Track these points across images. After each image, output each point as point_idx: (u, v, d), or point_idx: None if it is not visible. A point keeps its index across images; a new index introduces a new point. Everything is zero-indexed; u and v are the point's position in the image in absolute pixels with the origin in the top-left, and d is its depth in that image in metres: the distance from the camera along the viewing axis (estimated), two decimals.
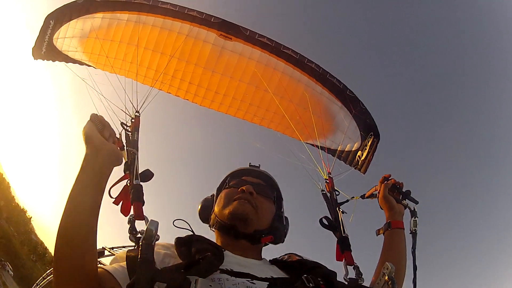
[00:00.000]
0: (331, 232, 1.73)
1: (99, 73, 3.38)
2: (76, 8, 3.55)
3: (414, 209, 1.74)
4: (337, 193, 1.99)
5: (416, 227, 1.67)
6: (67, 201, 1.08)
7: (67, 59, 3.53)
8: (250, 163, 1.69)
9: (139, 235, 1.20)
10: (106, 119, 1.37)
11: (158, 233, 1.07)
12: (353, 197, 2.01)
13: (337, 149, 3.73)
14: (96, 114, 1.32)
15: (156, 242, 1.07)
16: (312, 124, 3.26)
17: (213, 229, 1.44)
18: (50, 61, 3.61)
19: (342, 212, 1.83)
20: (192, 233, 1.36)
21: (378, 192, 1.83)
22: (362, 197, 1.99)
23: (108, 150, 1.23)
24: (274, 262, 1.34)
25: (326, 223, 1.73)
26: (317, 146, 3.49)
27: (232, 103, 3.23)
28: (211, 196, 1.62)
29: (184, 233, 1.33)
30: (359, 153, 3.77)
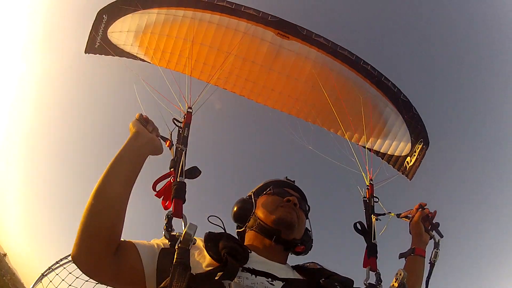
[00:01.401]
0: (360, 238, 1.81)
1: (149, 75, 3.39)
2: (131, 3, 3.60)
3: (438, 241, 1.80)
4: (376, 200, 2.09)
5: (436, 258, 1.74)
6: (106, 170, 1.16)
7: (122, 53, 3.57)
8: (286, 176, 1.73)
9: (173, 233, 1.21)
10: (156, 117, 1.54)
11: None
12: (390, 212, 2.06)
13: (386, 153, 3.66)
14: (141, 114, 1.48)
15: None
16: (363, 126, 3.21)
17: (253, 229, 1.45)
18: (103, 55, 3.65)
19: (376, 219, 1.93)
20: (224, 231, 1.43)
21: (412, 217, 1.89)
22: (398, 215, 2.05)
23: (148, 137, 1.36)
24: (295, 267, 1.39)
25: (359, 228, 1.85)
26: (365, 148, 3.44)
27: (287, 101, 3.20)
28: (247, 197, 1.61)
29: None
30: (408, 159, 3.69)
